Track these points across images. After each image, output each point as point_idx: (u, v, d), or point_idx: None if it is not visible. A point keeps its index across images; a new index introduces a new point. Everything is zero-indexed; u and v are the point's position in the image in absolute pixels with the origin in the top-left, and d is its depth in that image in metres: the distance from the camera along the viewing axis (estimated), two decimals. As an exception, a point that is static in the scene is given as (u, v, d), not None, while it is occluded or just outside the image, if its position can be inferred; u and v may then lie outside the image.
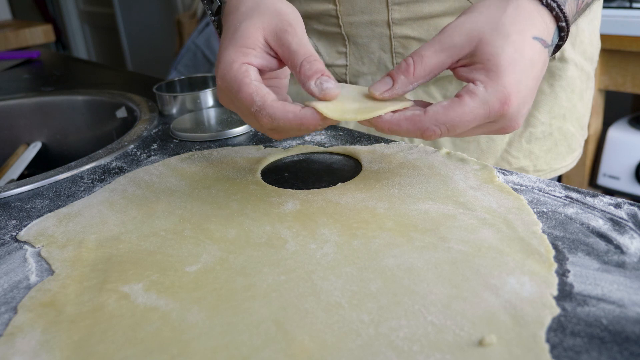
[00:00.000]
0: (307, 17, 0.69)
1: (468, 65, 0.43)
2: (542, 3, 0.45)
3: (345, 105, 0.45)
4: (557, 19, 0.46)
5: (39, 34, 1.84)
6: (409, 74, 0.44)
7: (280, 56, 0.46)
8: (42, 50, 1.43)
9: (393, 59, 0.68)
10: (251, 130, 0.67)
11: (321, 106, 0.44)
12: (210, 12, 0.56)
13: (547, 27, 0.45)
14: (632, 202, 0.44)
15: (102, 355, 0.33)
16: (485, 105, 0.41)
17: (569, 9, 0.46)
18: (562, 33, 0.47)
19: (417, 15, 0.64)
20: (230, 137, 0.66)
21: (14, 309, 0.37)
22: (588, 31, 0.71)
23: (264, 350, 0.32)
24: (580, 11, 0.52)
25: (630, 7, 1.44)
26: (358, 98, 0.46)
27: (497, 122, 0.43)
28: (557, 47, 0.49)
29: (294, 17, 0.46)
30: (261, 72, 0.46)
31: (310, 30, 0.71)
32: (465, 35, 0.43)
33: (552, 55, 0.47)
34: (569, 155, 0.75)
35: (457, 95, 0.42)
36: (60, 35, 3.53)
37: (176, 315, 0.35)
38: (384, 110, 0.44)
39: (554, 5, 0.45)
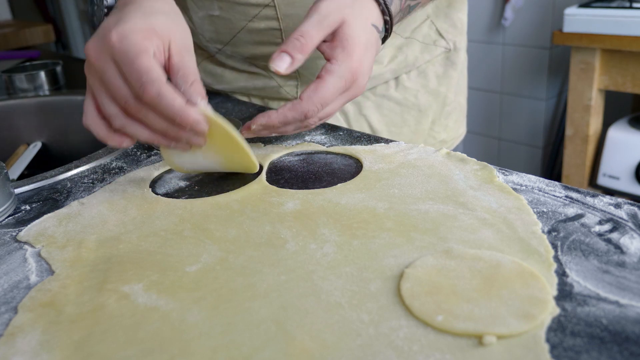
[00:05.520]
0: (253, 58, 0.76)
1: (328, 42, 0.53)
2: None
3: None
4: (382, 12, 0.56)
5: (39, 34, 1.84)
6: (305, 51, 0.51)
7: (171, 67, 0.48)
8: (42, 50, 1.43)
9: None
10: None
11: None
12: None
13: (378, 17, 0.56)
14: (632, 202, 0.44)
15: (102, 355, 0.33)
16: (341, 78, 0.51)
17: (394, 8, 0.58)
18: (387, 26, 0.58)
19: None
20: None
21: (14, 309, 0.37)
22: (464, 20, 0.85)
23: (264, 350, 0.32)
24: (404, 11, 0.63)
25: (630, 7, 1.44)
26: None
27: (350, 90, 0.53)
28: (384, 39, 0.60)
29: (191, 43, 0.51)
30: None
31: (256, 68, 0.78)
32: (334, 17, 0.52)
33: (382, 42, 0.59)
34: (465, 122, 0.93)
35: (318, 77, 0.51)
36: (60, 35, 3.52)
37: (176, 315, 0.35)
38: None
39: (382, 1, 0.56)
